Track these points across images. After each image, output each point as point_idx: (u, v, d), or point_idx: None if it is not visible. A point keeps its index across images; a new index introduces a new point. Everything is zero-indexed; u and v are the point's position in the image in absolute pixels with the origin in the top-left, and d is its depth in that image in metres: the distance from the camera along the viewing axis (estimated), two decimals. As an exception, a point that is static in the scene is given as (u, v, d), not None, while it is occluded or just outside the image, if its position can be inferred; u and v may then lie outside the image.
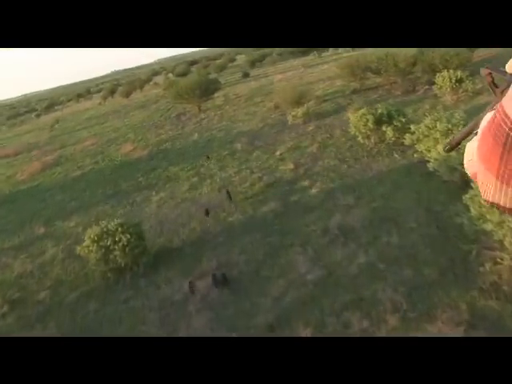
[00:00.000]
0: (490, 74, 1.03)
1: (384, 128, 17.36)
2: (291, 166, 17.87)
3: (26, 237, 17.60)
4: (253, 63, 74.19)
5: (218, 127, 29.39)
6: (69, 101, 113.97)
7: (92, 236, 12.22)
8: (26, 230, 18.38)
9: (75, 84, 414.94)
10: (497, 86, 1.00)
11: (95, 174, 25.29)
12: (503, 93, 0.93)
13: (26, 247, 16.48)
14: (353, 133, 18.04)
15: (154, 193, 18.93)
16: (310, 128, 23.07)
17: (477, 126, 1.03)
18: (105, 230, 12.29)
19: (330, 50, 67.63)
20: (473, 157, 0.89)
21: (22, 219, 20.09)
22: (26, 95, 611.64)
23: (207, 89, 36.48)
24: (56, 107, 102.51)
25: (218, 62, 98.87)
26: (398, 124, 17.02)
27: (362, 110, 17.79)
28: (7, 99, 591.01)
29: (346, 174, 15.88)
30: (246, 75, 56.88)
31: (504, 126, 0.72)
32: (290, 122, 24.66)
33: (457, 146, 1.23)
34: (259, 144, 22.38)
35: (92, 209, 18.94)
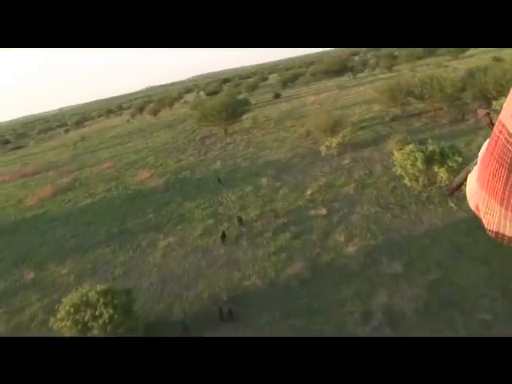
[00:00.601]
0: (488, 114, 1.05)
1: (436, 169, 14.41)
2: (323, 211, 14.98)
3: (13, 283, 15.17)
4: (285, 83, 71.78)
5: (243, 154, 26.76)
6: (99, 116, 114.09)
7: (67, 307, 9.60)
8: (15, 273, 15.98)
9: (111, 99, 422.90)
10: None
11: (105, 204, 22.90)
12: None
13: (8, 297, 14.03)
14: (398, 173, 15.03)
15: (162, 236, 16.29)
16: (346, 161, 20.16)
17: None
18: (84, 299, 9.67)
19: (366, 70, 64.75)
20: (472, 187, 0.83)
21: (16, 257, 17.79)
22: (61, 109, 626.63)
23: (234, 111, 33.95)
24: (86, 123, 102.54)
25: (250, 80, 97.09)
26: (454, 165, 14.02)
27: (410, 147, 14.82)
28: (44, 112, 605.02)
29: (391, 226, 12.92)
30: (277, 96, 54.36)
31: (509, 147, 0.70)
32: (322, 153, 21.81)
33: (458, 189, 1.23)
34: (287, 179, 19.56)
35: (91, 251, 16.41)
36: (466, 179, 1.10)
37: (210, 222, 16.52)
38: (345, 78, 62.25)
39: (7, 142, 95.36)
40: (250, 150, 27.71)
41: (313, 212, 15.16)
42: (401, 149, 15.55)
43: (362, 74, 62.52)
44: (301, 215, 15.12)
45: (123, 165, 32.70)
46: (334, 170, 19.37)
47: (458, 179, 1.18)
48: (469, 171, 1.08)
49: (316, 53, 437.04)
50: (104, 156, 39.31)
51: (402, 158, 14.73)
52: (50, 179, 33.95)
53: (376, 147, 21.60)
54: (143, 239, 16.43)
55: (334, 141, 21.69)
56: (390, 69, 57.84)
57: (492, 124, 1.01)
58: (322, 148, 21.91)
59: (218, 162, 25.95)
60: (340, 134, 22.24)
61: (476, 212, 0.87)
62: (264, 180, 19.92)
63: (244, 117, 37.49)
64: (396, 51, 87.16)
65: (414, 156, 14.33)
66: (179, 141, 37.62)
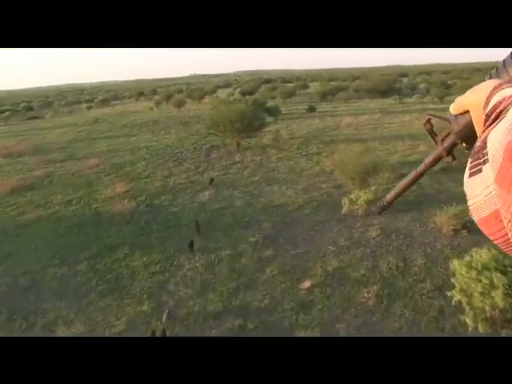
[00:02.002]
0: (429, 120, 1.02)
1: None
2: (317, 333, 9.16)
3: None
4: (324, 95, 65.51)
5: (244, 185, 21.05)
6: (130, 97, 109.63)
7: None
8: None
9: (156, 80, 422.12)
10: (436, 134, 1.00)
11: (48, 226, 17.44)
12: (444, 140, 0.98)
13: None
14: (454, 298, 8.98)
15: (72, 315, 10.69)
16: (373, 233, 14.19)
17: (415, 180, 1.07)
18: None
19: (414, 96, 58.06)
20: (485, 190, 0.65)
21: None
22: (103, 82, 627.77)
23: (251, 124, 28.04)
24: (112, 102, 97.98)
25: (289, 85, 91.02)
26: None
27: (483, 256, 8.82)
28: (86, 83, 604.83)
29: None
30: (311, 109, 48.20)
31: None
32: (344, 209, 15.89)
33: (390, 205, 1.18)
34: (284, 247, 13.68)
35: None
36: (402, 192, 1.08)
37: (151, 303, 10.84)
38: (390, 101, 55.74)
39: (30, 109, 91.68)
40: (256, 178, 21.95)
41: (303, 332, 9.33)
42: (461, 258, 9.39)
43: (409, 100, 55.79)
44: (283, 332, 9.32)
45: (108, 167, 27.24)
46: (352, 244, 13.46)
47: (393, 193, 1.12)
48: (406, 184, 1.07)
49: (365, 68, 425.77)
50: (98, 149, 33.96)
51: (466, 274, 8.73)
52: (26, 168, 28.79)
53: (418, 213, 15.59)
54: (44, 316, 10.84)
55: (362, 196, 15.73)
56: (442, 99, 51.07)
57: (433, 131, 1.00)
58: (345, 202, 15.96)
59: (207, 193, 20.10)
60: (372, 188, 16.27)
61: (485, 226, 0.67)
62: (251, 242, 14.02)
63: (266, 129, 31.80)
64: (450, 79, 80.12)
65: (490, 279, 8.35)
66: (184, 146, 31.99)
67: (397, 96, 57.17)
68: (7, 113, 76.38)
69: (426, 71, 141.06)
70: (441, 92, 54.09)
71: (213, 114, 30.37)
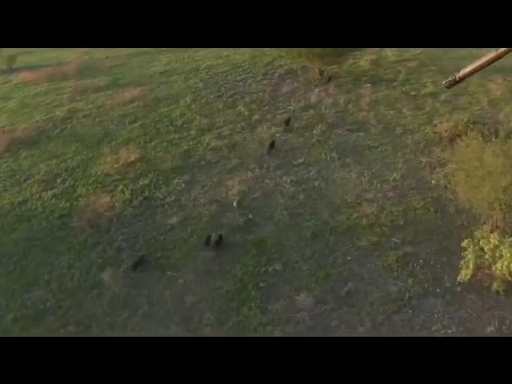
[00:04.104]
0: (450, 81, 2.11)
1: None
2: None
3: None
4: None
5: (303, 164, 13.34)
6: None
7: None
8: None
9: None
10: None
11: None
12: None
13: None
14: None
15: None
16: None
17: (493, 60, 1.77)
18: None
19: None
20: None
21: None
22: None
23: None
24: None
25: None
26: None
27: None
28: None
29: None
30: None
31: None
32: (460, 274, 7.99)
33: (462, 81, 1.89)
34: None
35: None
36: (478, 70, 1.42)
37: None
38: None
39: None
40: (323, 155, 13.90)
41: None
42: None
43: None
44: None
45: (145, 103, 20.57)
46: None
47: (467, 69, 1.38)
48: (483, 62, 1.44)
49: None
50: (152, 70, 26.82)
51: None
52: (56, 101, 23.04)
53: None
54: None
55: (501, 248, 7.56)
56: None
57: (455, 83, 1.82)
58: (466, 254, 7.90)
59: (248, 186, 12.86)
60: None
61: None
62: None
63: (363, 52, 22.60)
64: None
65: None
66: (254, 69, 23.85)
67: None
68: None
69: None
70: None
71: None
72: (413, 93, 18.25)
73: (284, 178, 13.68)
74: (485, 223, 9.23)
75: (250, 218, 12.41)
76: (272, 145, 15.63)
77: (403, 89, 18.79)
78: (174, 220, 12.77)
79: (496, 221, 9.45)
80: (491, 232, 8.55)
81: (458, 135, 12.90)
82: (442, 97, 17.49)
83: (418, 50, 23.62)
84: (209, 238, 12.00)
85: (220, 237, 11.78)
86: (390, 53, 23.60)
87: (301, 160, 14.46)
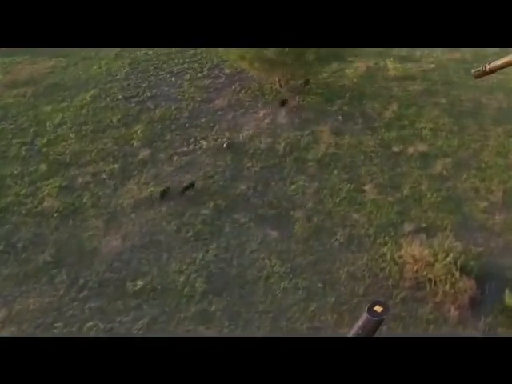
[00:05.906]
0: (478, 71, 1.90)
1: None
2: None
3: None
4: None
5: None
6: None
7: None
8: None
9: None
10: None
11: None
12: None
13: None
14: None
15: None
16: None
17: None
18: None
19: None
20: None
21: None
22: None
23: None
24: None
25: None
26: None
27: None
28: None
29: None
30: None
31: None
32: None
33: (492, 73, 1.67)
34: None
35: None
36: (508, 65, 1.22)
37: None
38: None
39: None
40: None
41: None
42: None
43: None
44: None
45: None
46: None
47: (499, 62, 1.23)
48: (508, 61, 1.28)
49: None
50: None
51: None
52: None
53: None
54: None
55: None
56: None
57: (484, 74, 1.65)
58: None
59: None
60: None
61: None
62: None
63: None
64: None
65: None
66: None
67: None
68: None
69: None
70: None
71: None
72: (395, 149, 13.47)
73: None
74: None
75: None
76: (164, 192, 12.99)
77: (385, 135, 13.75)
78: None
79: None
80: None
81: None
82: (438, 167, 12.42)
83: (428, 65, 18.24)
84: None
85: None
86: (390, 65, 17.94)
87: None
